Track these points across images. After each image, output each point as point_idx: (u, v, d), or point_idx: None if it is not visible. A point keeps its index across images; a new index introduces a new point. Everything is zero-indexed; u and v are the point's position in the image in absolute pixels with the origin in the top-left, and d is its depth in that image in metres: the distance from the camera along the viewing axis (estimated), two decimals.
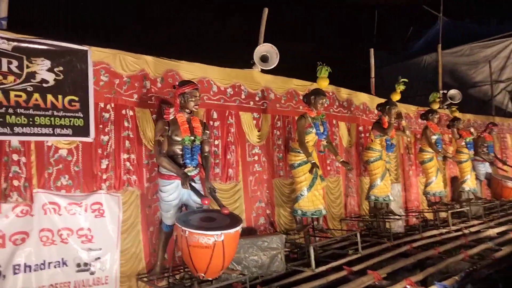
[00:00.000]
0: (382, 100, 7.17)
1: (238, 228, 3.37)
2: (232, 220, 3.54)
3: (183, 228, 3.25)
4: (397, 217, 6.15)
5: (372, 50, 7.25)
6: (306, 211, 4.70)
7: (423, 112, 7.16)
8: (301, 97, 5.61)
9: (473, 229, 6.43)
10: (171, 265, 3.75)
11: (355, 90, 6.67)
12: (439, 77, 9.57)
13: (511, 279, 3.79)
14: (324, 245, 5.40)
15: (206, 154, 3.92)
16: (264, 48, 4.92)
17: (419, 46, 16.97)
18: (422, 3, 14.37)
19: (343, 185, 6.27)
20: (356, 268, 4.33)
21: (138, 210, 3.92)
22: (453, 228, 6.43)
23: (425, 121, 6.94)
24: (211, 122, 4.60)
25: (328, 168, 5.98)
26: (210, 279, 3.44)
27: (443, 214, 6.87)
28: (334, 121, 6.20)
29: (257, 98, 5.12)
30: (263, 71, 5.28)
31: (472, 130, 7.99)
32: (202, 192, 3.45)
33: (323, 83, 4.79)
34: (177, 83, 3.84)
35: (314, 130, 4.66)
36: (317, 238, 5.06)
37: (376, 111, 6.23)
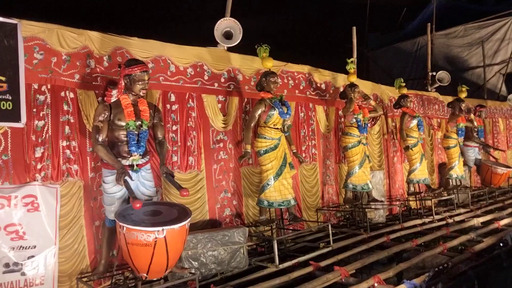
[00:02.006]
0: (366, 82, 6.81)
1: (184, 223, 3.02)
2: (181, 213, 3.19)
3: (120, 223, 2.90)
4: (378, 206, 5.83)
5: (354, 29, 6.80)
6: (273, 201, 4.36)
7: (395, 101, 6.79)
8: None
9: (458, 218, 6.14)
10: (115, 263, 3.40)
11: (340, 72, 6.27)
12: (428, 58, 9.12)
13: (488, 276, 3.47)
14: (297, 237, 5.09)
15: (160, 139, 3.57)
16: (226, 23, 4.49)
17: (413, 27, 16.44)
18: None
19: (320, 173, 5.92)
20: (324, 263, 4.01)
21: (81, 203, 3.56)
22: (437, 217, 6.12)
23: (399, 109, 6.58)
24: (168, 106, 4.21)
25: (304, 154, 5.61)
26: (154, 279, 3.10)
27: (429, 203, 6.55)
28: (311, 105, 5.81)
29: (222, 80, 4.71)
30: (229, 49, 4.86)
31: (472, 117, 7.62)
32: (134, 192, 3.07)
33: (268, 64, 4.45)
34: (125, 62, 3.42)
35: (276, 111, 4.30)
36: (291, 230, 4.75)
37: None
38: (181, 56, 4.34)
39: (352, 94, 5.44)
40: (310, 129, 5.76)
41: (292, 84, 5.53)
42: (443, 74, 8.45)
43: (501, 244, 4.43)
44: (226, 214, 4.66)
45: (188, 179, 4.33)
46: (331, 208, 5.91)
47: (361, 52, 16.33)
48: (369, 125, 6.71)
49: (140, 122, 3.33)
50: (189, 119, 4.37)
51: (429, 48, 9.34)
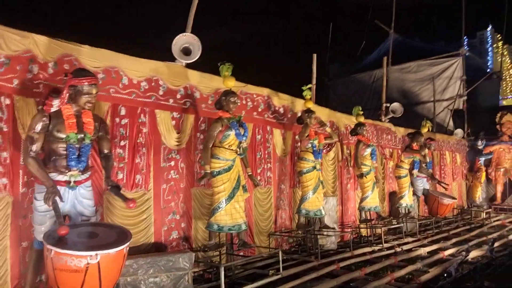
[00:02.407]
0: (323, 109, 6.91)
1: (122, 248, 2.78)
2: (120, 236, 2.95)
3: (48, 246, 2.61)
4: (330, 232, 5.81)
5: (315, 56, 6.94)
6: (223, 225, 4.18)
7: (351, 128, 6.97)
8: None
9: (406, 247, 6.25)
10: None
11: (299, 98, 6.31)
12: (383, 89, 9.49)
13: None
14: (247, 263, 4.92)
15: (105, 153, 3.34)
16: (185, 39, 4.37)
17: (371, 60, 17.24)
18: (374, 18, 14.52)
19: (274, 197, 5.84)
20: None
21: (8, 221, 3.19)
22: (386, 245, 6.20)
23: (355, 136, 6.74)
24: (117, 120, 3.97)
25: (259, 177, 5.51)
26: None
27: (379, 230, 6.64)
28: (268, 128, 5.76)
29: (178, 96, 4.55)
30: (188, 66, 4.73)
31: (426, 151, 7.91)
32: (61, 217, 2.80)
33: (229, 83, 4.37)
34: (72, 71, 3.17)
35: (233, 132, 4.19)
36: (240, 256, 4.57)
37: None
38: (136, 68, 4.14)
39: (308, 120, 5.48)
40: (266, 152, 5.70)
41: (251, 106, 5.47)
42: (396, 106, 8.81)
43: (445, 275, 4.53)
44: (173, 237, 4.41)
45: (134, 198, 4.05)
46: (283, 234, 5.81)
47: (321, 80, 16.92)
48: (324, 151, 6.79)
49: (82, 135, 3.09)
50: (140, 134, 4.15)
51: (384, 81, 9.74)
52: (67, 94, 3.02)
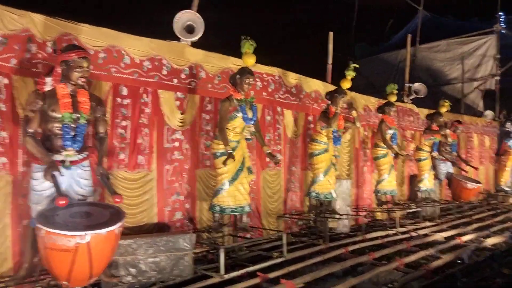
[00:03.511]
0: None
1: (113, 228, 2.77)
2: (113, 217, 2.94)
3: (39, 225, 2.64)
4: (337, 216, 5.66)
5: (331, 34, 6.64)
6: (226, 207, 4.13)
7: (380, 105, 6.66)
8: None
9: (422, 232, 6.02)
10: (39, 268, 3.12)
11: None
12: (406, 69, 9.05)
13: None
14: (253, 244, 4.88)
15: (101, 135, 3.31)
16: (187, 16, 4.25)
17: (398, 39, 16.50)
18: None
19: (284, 179, 5.72)
20: (273, 274, 3.80)
21: (8, 200, 3.27)
22: (401, 230, 5.99)
23: (381, 114, 6.44)
24: (118, 100, 3.95)
25: (267, 159, 5.40)
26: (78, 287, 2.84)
27: (396, 214, 6.42)
28: (279, 109, 5.61)
29: (183, 76, 4.47)
30: (194, 45, 4.63)
31: (447, 132, 7.52)
32: (62, 189, 2.82)
33: (249, 60, 4.17)
34: (61, 48, 3.16)
35: (240, 115, 4.06)
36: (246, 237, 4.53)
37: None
38: (138, 48, 4.08)
39: (338, 102, 5.21)
40: (276, 133, 5.57)
41: (260, 86, 5.32)
42: (419, 86, 8.39)
43: (458, 262, 4.32)
44: (176, 218, 4.41)
45: (136, 179, 4.08)
46: (293, 216, 5.72)
47: (346, 60, 16.39)
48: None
49: (78, 115, 3.07)
50: (142, 115, 4.12)
51: (408, 59, 9.29)
52: (59, 71, 2.99)
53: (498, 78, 12.46)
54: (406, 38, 9.88)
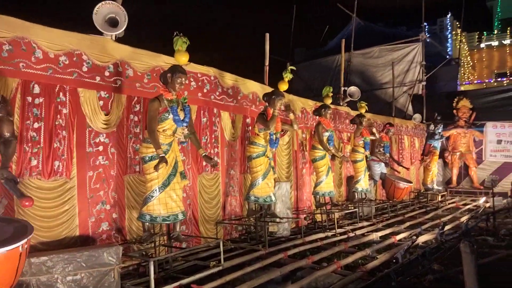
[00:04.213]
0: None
1: (15, 247, 2.36)
2: (16, 233, 2.53)
3: None
4: (277, 220, 5.56)
5: (267, 35, 6.58)
6: (156, 216, 3.80)
7: (316, 107, 6.72)
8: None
9: (360, 232, 6.13)
10: None
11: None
12: (341, 72, 9.32)
13: None
14: (190, 253, 4.59)
15: (6, 137, 2.88)
16: (109, 8, 3.88)
17: (334, 45, 17.11)
18: (337, 1, 14.30)
19: (222, 183, 5.51)
20: (209, 285, 3.56)
21: None
22: (339, 231, 6.05)
23: (317, 117, 6.48)
24: (29, 99, 3.48)
25: (204, 163, 5.16)
26: None
27: (336, 215, 6.48)
28: (215, 110, 5.39)
29: (107, 73, 4.08)
30: (120, 40, 4.26)
31: (374, 130, 7.77)
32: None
33: (182, 59, 3.92)
34: None
35: (171, 116, 3.77)
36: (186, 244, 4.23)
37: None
38: (52, 41, 3.63)
39: (276, 104, 5.09)
40: (213, 136, 5.34)
41: (195, 86, 5.07)
42: (353, 89, 8.66)
43: (394, 261, 4.39)
44: (102, 229, 4.00)
45: (52, 187, 3.62)
46: (232, 221, 5.52)
47: (285, 64, 16.64)
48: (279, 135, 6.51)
49: None
50: (58, 116, 3.67)
51: (342, 63, 9.58)
52: None
53: (424, 83, 13.34)
54: (341, 44, 10.21)
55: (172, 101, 3.79)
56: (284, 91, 5.52)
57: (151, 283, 3.35)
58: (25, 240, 2.47)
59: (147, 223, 3.89)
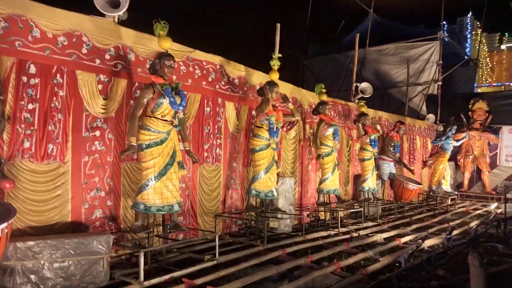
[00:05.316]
0: (286, 84, 6.42)
1: None
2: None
3: None
4: (283, 215, 5.41)
5: (278, 25, 6.37)
6: (151, 205, 3.68)
7: (314, 108, 6.52)
8: (178, 65, 4.59)
9: (364, 232, 5.94)
10: None
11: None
12: (354, 68, 9.06)
13: None
14: (186, 246, 4.48)
15: None
16: None
17: (348, 40, 16.75)
18: None
19: (224, 176, 5.37)
20: (201, 280, 3.44)
21: None
22: (342, 230, 5.88)
23: (317, 115, 6.31)
24: (24, 78, 3.37)
25: (205, 154, 5.03)
26: None
27: (338, 214, 6.30)
28: (220, 100, 5.24)
29: (107, 57, 3.95)
30: (122, 23, 4.13)
31: (378, 127, 7.55)
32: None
33: (165, 44, 3.78)
34: None
35: (166, 100, 3.64)
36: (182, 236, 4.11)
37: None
38: (51, 20, 3.52)
39: (270, 94, 4.96)
40: (216, 126, 5.19)
41: (199, 74, 4.92)
42: (365, 86, 8.40)
43: (396, 264, 4.21)
44: (96, 216, 3.90)
45: (45, 171, 3.52)
46: (231, 215, 5.38)
47: (298, 59, 16.37)
48: (284, 129, 6.34)
49: None
50: (54, 98, 3.56)
51: (356, 58, 9.33)
52: None
53: (440, 83, 12.96)
54: (359, 40, 9.92)
55: (165, 85, 3.68)
56: (290, 90, 5.32)
57: (140, 274, 3.24)
58: (5, 224, 2.37)
59: (141, 213, 3.77)
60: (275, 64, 5.20)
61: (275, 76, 5.19)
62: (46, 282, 3.07)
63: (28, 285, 3.01)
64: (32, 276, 3.03)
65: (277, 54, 5.31)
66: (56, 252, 3.14)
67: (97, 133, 3.91)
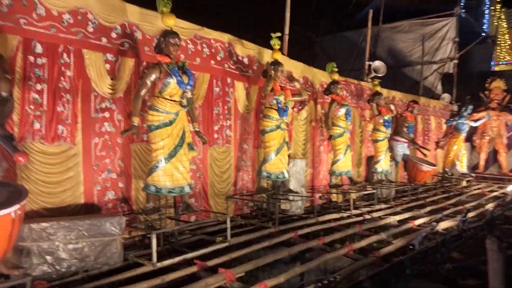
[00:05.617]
0: (296, 62, 6.26)
1: (8, 211, 2.25)
2: (11, 197, 2.42)
3: None
4: (295, 197, 5.36)
5: (288, 1, 6.16)
6: (162, 187, 3.65)
7: (325, 88, 6.35)
8: (186, 43, 4.49)
9: (377, 214, 5.87)
10: None
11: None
12: (366, 46, 8.80)
13: (388, 284, 3.08)
14: (198, 227, 4.47)
15: (2, 96, 2.75)
16: None
17: (361, 17, 16.28)
18: None
19: (235, 157, 5.31)
20: (213, 262, 3.42)
21: None
22: (355, 212, 5.81)
23: (329, 95, 6.15)
24: (31, 58, 3.31)
25: (216, 135, 4.95)
26: None
27: (352, 195, 6.22)
28: (229, 80, 5.12)
29: (114, 35, 3.86)
30: (128, 0, 4.01)
31: (392, 107, 7.36)
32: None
33: (168, 21, 3.66)
34: None
35: (173, 79, 3.56)
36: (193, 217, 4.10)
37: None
38: None
39: (274, 72, 4.85)
40: (226, 107, 5.10)
41: (208, 53, 4.80)
42: (378, 64, 8.16)
43: (410, 247, 4.14)
44: (108, 198, 3.89)
45: (55, 153, 3.49)
46: (243, 197, 5.34)
47: (309, 37, 15.99)
48: (295, 109, 6.22)
49: None
50: (62, 78, 3.50)
51: (369, 35, 9.05)
52: None
53: (456, 61, 12.57)
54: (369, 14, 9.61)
55: (171, 64, 3.59)
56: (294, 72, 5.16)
57: (153, 255, 3.23)
58: (18, 206, 2.35)
59: (152, 194, 3.74)
60: (275, 43, 5.05)
61: (277, 56, 5.05)
62: (62, 263, 3.09)
63: (45, 266, 3.03)
64: (48, 257, 3.04)
65: (277, 34, 5.11)
66: (70, 233, 3.15)
67: (106, 114, 3.85)
